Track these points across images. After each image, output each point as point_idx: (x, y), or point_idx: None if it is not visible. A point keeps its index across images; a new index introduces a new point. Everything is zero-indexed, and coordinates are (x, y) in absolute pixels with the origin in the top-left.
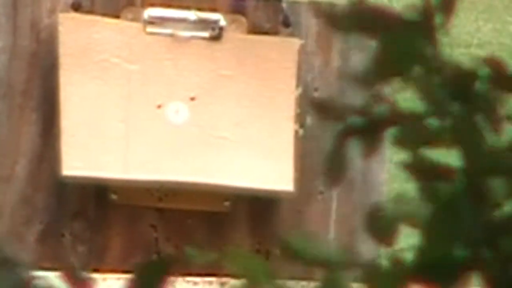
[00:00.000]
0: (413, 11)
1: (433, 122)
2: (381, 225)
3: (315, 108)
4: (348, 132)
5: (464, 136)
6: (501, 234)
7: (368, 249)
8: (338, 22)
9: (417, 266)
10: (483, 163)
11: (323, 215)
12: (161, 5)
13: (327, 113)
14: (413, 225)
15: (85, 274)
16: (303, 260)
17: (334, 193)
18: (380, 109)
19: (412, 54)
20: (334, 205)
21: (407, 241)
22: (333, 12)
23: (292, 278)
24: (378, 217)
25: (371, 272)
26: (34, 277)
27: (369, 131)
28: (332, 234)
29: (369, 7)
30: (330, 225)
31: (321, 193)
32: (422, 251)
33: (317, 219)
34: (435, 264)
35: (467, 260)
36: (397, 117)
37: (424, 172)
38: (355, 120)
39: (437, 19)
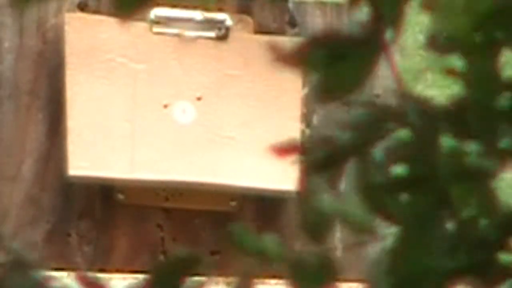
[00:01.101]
0: (361, 28)
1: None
2: (314, 222)
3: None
4: (313, 166)
5: (425, 146)
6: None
7: (375, 248)
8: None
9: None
10: (446, 171)
11: None
12: (167, 5)
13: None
14: (348, 224)
15: (98, 277)
16: (243, 252)
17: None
18: (341, 140)
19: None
20: None
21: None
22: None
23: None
24: (312, 213)
25: (296, 269)
26: (49, 279)
27: (331, 163)
28: (338, 233)
29: (320, 36)
30: (336, 224)
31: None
32: (397, 264)
33: None
34: (409, 276)
35: (441, 270)
36: (356, 148)
37: (390, 186)
38: (317, 154)
39: (388, 34)
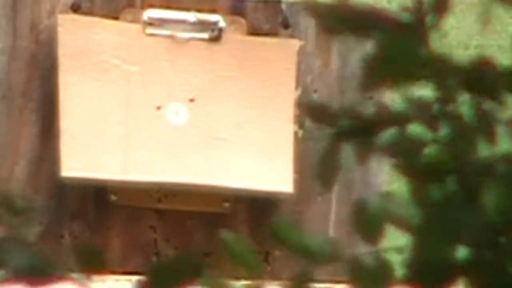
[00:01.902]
0: (406, 12)
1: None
2: (367, 223)
3: (308, 112)
4: (340, 136)
5: (456, 138)
6: (497, 235)
7: (367, 250)
8: (332, 23)
9: (409, 267)
10: (475, 165)
11: (322, 216)
12: (160, 7)
13: (320, 117)
14: (399, 225)
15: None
16: (286, 248)
17: (333, 195)
18: (370, 112)
19: (409, 55)
20: (333, 206)
21: (393, 241)
22: (327, 13)
23: (292, 279)
24: (364, 214)
25: (354, 269)
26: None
27: (360, 134)
28: (331, 235)
29: (362, 9)
30: (329, 226)
31: (321, 194)
32: (415, 253)
33: (316, 220)
34: (427, 266)
35: (461, 262)
36: (388, 121)
37: (416, 174)
38: (346, 123)
39: (430, 20)
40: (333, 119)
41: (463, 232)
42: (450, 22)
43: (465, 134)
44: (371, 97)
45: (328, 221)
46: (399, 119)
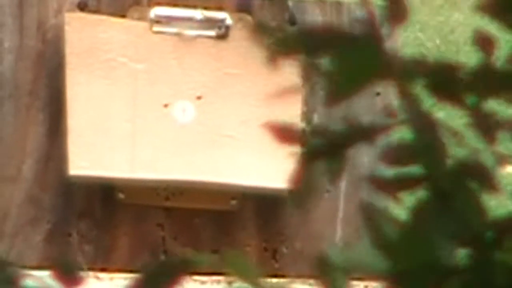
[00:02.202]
0: (359, 24)
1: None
2: (331, 276)
3: (276, 134)
4: (311, 156)
5: (426, 146)
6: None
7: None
8: (284, 45)
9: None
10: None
11: (329, 213)
12: (167, 4)
13: (289, 138)
14: (363, 272)
15: (76, 271)
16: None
17: (341, 192)
18: (341, 128)
19: (369, 65)
20: (341, 203)
21: None
22: (279, 36)
23: (299, 276)
24: (327, 268)
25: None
26: (23, 276)
27: (330, 152)
28: (339, 232)
29: (316, 28)
30: (337, 223)
31: (328, 191)
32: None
33: (323, 218)
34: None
35: (439, 268)
36: (357, 135)
37: (389, 185)
38: (316, 142)
39: (384, 31)
40: (302, 139)
41: (438, 238)
42: (457, 19)
43: (438, 139)
44: (378, 94)
45: (336, 218)
46: (369, 132)
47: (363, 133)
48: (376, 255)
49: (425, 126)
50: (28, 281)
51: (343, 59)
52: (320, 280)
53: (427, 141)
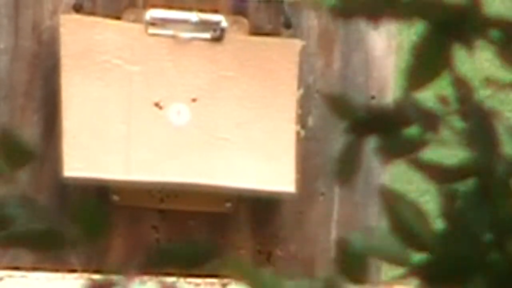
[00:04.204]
0: None
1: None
2: (350, 262)
3: (328, 103)
4: (362, 130)
5: (477, 137)
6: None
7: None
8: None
9: (428, 265)
10: (496, 163)
11: (324, 216)
12: (162, 7)
13: (341, 109)
14: (383, 258)
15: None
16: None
17: (336, 194)
18: (397, 108)
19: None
20: (335, 206)
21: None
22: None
23: (292, 278)
24: (347, 254)
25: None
26: None
27: (384, 130)
28: (333, 235)
29: None
30: (332, 226)
31: (323, 194)
32: (435, 250)
33: (318, 220)
34: (448, 264)
35: (481, 260)
36: (411, 118)
37: (439, 173)
38: (368, 117)
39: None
40: (354, 112)
41: (478, 231)
42: None
43: (486, 133)
44: (373, 97)
45: (330, 221)
46: (424, 117)
47: (418, 117)
48: (396, 242)
49: (479, 117)
50: None
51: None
52: (339, 268)
53: (479, 131)
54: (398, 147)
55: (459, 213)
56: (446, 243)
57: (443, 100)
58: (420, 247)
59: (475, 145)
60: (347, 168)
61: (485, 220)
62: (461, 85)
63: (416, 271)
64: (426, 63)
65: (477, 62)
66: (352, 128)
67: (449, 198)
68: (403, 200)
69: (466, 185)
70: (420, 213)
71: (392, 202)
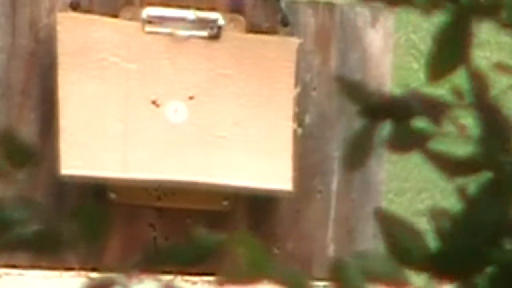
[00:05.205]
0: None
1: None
2: (346, 284)
3: (341, 86)
4: (377, 114)
5: (490, 131)
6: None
7: (367, 248)
8: None
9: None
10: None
11: (321, 214)
12: (159, 5)
13: (355, 93)
14: (378, 281)
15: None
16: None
17: (333, 192)
18: (408, 98)
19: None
20: (333, 204)
21: None
22: None
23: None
24: (341, 277)
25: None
26: None
27: (398, 117)
28: (330, 233)
29: None
30: (329, 224)
31: (320, 192)
32: (446, 242)
33: (315, 218)
34: (458, 256)
35: (489, 254)
36: (421, 109)
37: (451, 166)
38: (382, 103)
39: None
40: (368, 96)
41: (487, 225)
42: None
43: (500, 128)
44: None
45: (328, 219)
46: (434, 108)
47: (428, 107)
48: (392, 263)
49: (491, 112)
50: None
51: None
52: (336, 285)
53: (491, 126)
54: (409, 137)
55: (471, 207)
56: (455, 238)
57: (457, 93)
58: (417, 267)
59: (487, 139)
60: (359, 152)
61: (495, 215)
62: (477, 79)
63: (427, 264)
64: (447, 53)
65: (476, 59)
66: (366, 112)
67: (462, 192)
68: (398, 221)
69: (477, 179)
70: (416, 234)
71: (388, 224)
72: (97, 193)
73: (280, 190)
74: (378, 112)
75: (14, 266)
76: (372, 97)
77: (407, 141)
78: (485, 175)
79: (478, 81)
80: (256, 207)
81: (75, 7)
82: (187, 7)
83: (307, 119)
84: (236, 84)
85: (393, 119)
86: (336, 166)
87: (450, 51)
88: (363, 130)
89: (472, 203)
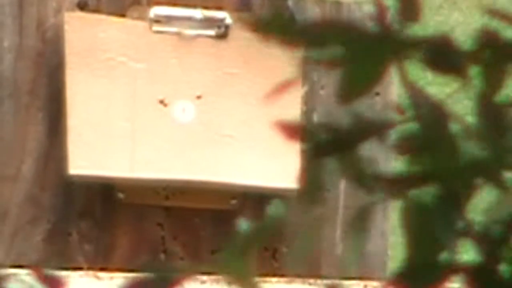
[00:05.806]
0: (371, 21)
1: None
2: None
3: (283, 130)
4: (318, 152)
5: (436, 141)
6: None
7: (377, 246)
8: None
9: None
10: (456, 168)
11: (329, 213)
12: (167, 4)
13: (295, 134)
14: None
15: (55, 272)
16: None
17: (341, 191)
18: (348, 125)
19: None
20: (341, 203)
21: None
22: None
23: (299, 276)
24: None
25: None
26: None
27: (338, 149)
28: (339, 231)
29: (330, 21)
30: (337, 222)
31: (328, 190)
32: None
33: (324, 217)
34: (416, 270)
35: (445, 264)
36: (366, 132)
37: (397, 181)
38: (323, 138)
39: (397, 28)
40: (310, 135)
41: (445, 235)
42: (456, 18)
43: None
44: (377, 94)
45: (336, 217)
46: (377, 128)
47: (371, 130)
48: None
49: (435, 120)
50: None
51: (355, 52)
52: None
53: (435, 136)
54: (350, 166)
55: (425, 222)
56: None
57: (397, 108)
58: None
59: (433, 150)
60: (314, 189)
61: (452, 227)
62: (413, 91)
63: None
64: (360, 76)
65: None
66: (311, 153)
67: (411, 208)
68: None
69: (427, 193)
70: None
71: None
72: (105, 193)
73: (288, 189)
74: (322, 150)
75: (21, 267)
76: (314, 136)
77: (348, 170)
78: (437, 188)
79: (415, 93)
80: (264, 206)
81: (82, 6)
82: (194, 6)
83: (315, 118)
84: (244, 83)
85: (338, 151)
86: None
87: (363, 74)
88: (313, 169)
89: (426, 218)
